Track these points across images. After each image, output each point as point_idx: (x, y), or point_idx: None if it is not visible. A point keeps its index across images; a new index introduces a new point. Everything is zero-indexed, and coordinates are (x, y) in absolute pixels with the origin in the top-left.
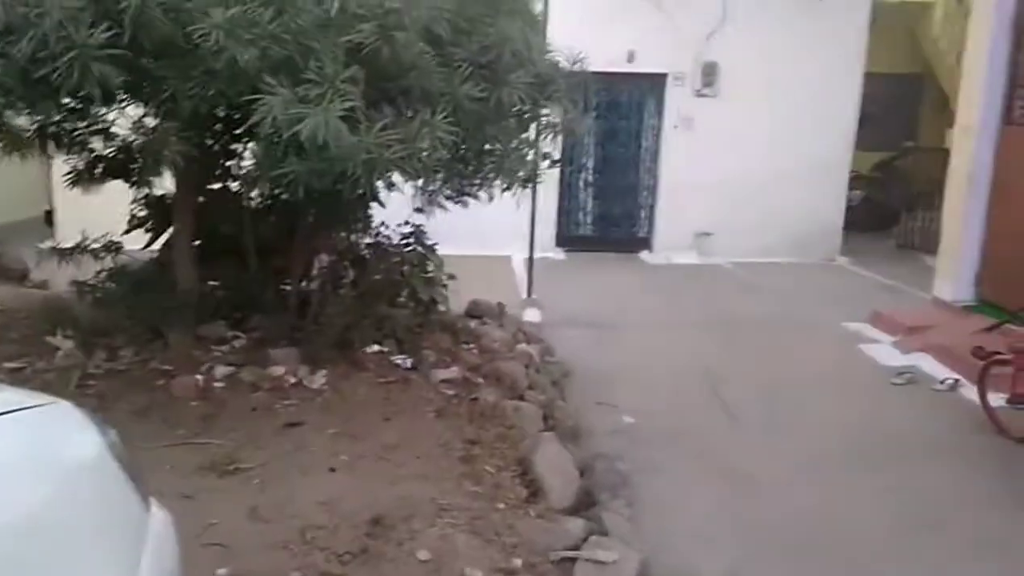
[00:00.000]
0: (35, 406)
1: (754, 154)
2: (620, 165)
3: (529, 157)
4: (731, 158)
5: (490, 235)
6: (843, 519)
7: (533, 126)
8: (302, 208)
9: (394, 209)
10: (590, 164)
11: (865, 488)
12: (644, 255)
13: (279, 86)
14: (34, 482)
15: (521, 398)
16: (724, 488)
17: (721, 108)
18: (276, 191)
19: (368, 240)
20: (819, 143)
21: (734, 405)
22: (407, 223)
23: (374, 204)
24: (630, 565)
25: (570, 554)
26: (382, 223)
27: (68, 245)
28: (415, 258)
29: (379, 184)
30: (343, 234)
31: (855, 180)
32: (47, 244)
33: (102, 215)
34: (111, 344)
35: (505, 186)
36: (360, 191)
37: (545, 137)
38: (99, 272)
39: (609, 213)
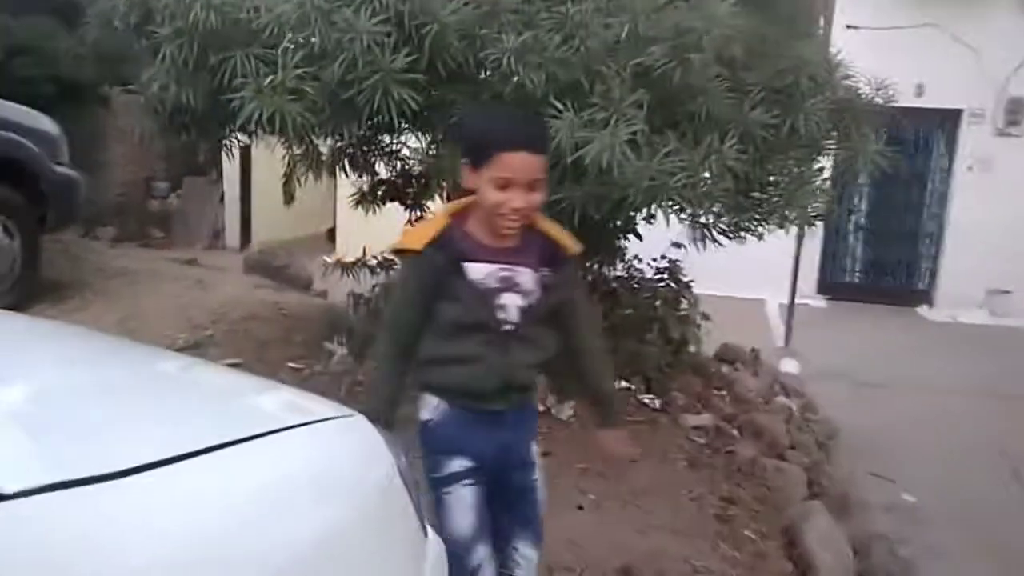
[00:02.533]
0: (332, 418)
1: None
2: (899, 208)
3: (824, 189)
4: None
5: (743, 276)
6: None
7: (828, 158)
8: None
9: (646, 243)
10: (863, 205)
11: None
12: (922, 310)
13: (565, 110)
14: (325, 501)
15: (781, 457)
16: None
17: None
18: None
19: (619, 273)
20: None
21: None
22: (663, 257)
23: (630, 236)
24: None
25: None
26: (635, 256)
27: (349, 259)
28: (668, 294)
29: (637, 215)
30: (596, 266)
31: None
32: (329, 258)
33: (377, 234)
34: None
35: (789, 222)
36: (621, 221)
37: (844, 171)
38: (373, 287)
39: (882, 260)
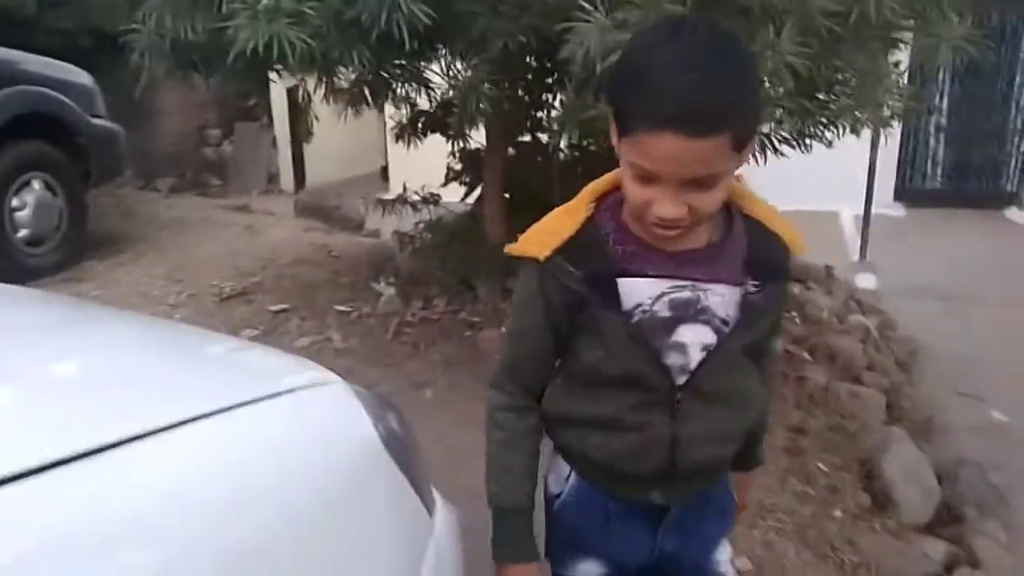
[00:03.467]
0: (299, 389)
1: None
2: (983, 105)
3: (901, 86)
4: None
5: (814, 187)
6: None
7: (904, 50)
8: (608, 159)
9: None
10: (944, 105)
11: None
12: (1011, 213)
13: (595, 10)
14: (289, 481)
15: (858, 381)
16: None
17: None
18: (585, 142)
19: None
20: None
21: None
22: None
23: None
24: None
25: None
26: None
27: (390, 197)
28: None
29: None
30: None
31: None
32: (378, 196)
33: (430, 169)
34: (427, 293)
35: (861, 124)
36: None
37: (922, 64)
38: (418, 224)
39: (966, 163)
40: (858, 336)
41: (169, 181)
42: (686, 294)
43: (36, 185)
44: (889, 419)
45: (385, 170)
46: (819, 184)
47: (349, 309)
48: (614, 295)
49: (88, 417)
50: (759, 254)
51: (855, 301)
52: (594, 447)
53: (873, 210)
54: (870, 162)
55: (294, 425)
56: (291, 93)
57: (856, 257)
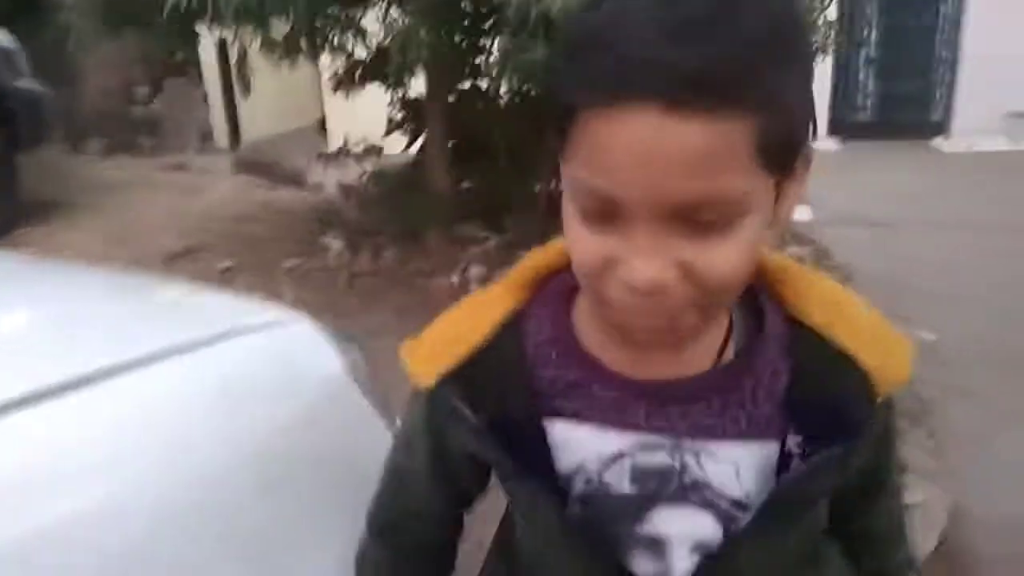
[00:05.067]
0: (264, 326)
1: None
2: (910, 36)
3: (819, 23)
4: None
5: None
6: None
7: None
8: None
9: None
10: (872, 37)
11: None
12: (938, 142)
13: None
14: (264, 411)
15: None
16: None
17: None
18: (523, 86)
19: None
20: None
21: None
22: None
23: None
24: (938, 508)
25: None
26: None
27: (332, 150)
28: None
29: None
30: None
31: None
32: (319, 150)
33: (368, 121)
34: (376, 244)
35: None
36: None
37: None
38: (361, 175)
39: (894, 94)
40: None
41: (100, 143)
42: (661, 458)
43: None
44: None
45: (322, 122)
46: None
47: (298, 263)
48: (537, 452)
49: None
50: (809, 387)
51: (790, 233)
52: None
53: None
54: None
55: (263, 360)
56: (222, 47)
57: None
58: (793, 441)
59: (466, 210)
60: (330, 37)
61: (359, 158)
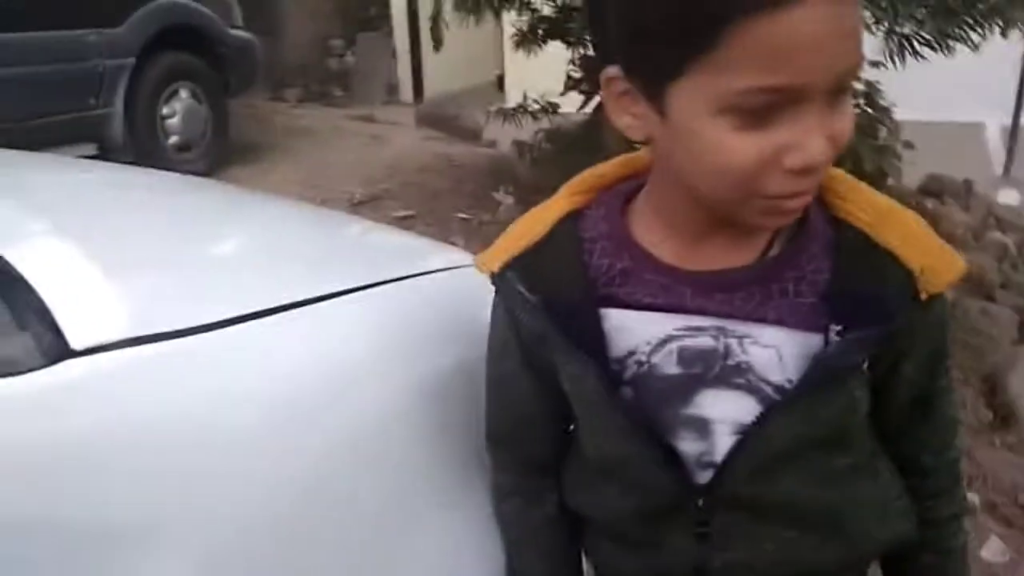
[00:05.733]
0: (447, 268)
1: None
2: None
3: None
4: None
5: (959, 96)
6: None
7: None
8: None
9: None
10: None
11: None
12: None
13: None
14: (438, 353)
15: (990, 298)
16: None
17: None
18: None
19: None
20: None
21: None
22: (858, 79)
23: None
24: None
25: None
26: None
27: (510, 107)
28: (863, 122)
29: None
30: None
31: None
32: (496, 106)
33: (548, 78)
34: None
35: (1012, 26)
36: None
37: None
38: (537, 133)
39: None
40: (994, 254)
41: (296, 92)
42: (706, 341)
43: (183, 94)
44: (1021, 338)
45: (500, 79)
46: (964, 92)
47: (471, 216)
48: (591, 335)
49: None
50: (850, 281)
51: (995, 217)
52: (610, 561)
53: (1022, 122)
54: (1022, 69)
55: (442, 301)
56: (411, 3)
57: (1000, 172)
58: (834, 332)
59: None
60: None
61: (535, 115)
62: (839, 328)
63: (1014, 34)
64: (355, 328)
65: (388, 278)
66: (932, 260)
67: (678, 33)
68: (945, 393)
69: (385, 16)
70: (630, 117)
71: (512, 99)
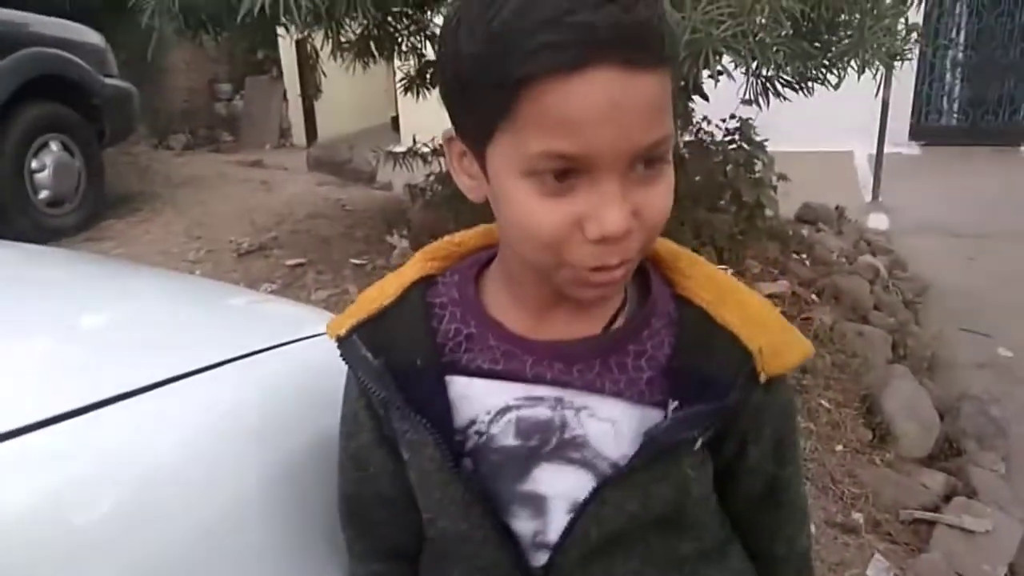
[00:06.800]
0: (320, 335)
1: None
2: (1001, 38)
3: (899, 27)
4: None
5: (827, 128)
6: None
7: None
8: None
9: (716, 102)
10: (961, 38)
11: None
12: None
13: None
14: (313, 418)
15: (865, 320)
16: None
17: None
18: None
19: (687, 138)
20: None
21: None
22: (732, 117)
23: (696, 97)
24: (1009, 538)
25: (927, 516)
26: (704, 118)
27: (401, 149)
28: (740, 157)
29: (704, 72)
30: None
31: None
32: (387, 149)
33: (440, 120)
34: None
35: (867, 65)
36: (681, 81)
37: (914, 2)
38: (429, 176)
39: (982, 98)
40: (867, 276)
41: (182, 138)
42: (543, 412)
43: (54, 146)
44: (894, 357)
45: (395, 121)
46: (833, 123)
47: (364, 262)
48: (434, 402)
49: (124, 363)
50: (689, 358)
51: (866, 242)
52: None
53: (887, 149)
54: (883, 100)
55: (317, 368)
56: (300, 46)
57: (869, 197)
58: (671, 408)
59: None
60: (400, 40)
61: (427, 158)
62: (675, 404)
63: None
64: (208, 409)
65: (252, 350)
66: (772, 341)
67: (485, 96)
68: (794, 481)
69: (274, 59)
70: (467, 178)
71: (407, 140)
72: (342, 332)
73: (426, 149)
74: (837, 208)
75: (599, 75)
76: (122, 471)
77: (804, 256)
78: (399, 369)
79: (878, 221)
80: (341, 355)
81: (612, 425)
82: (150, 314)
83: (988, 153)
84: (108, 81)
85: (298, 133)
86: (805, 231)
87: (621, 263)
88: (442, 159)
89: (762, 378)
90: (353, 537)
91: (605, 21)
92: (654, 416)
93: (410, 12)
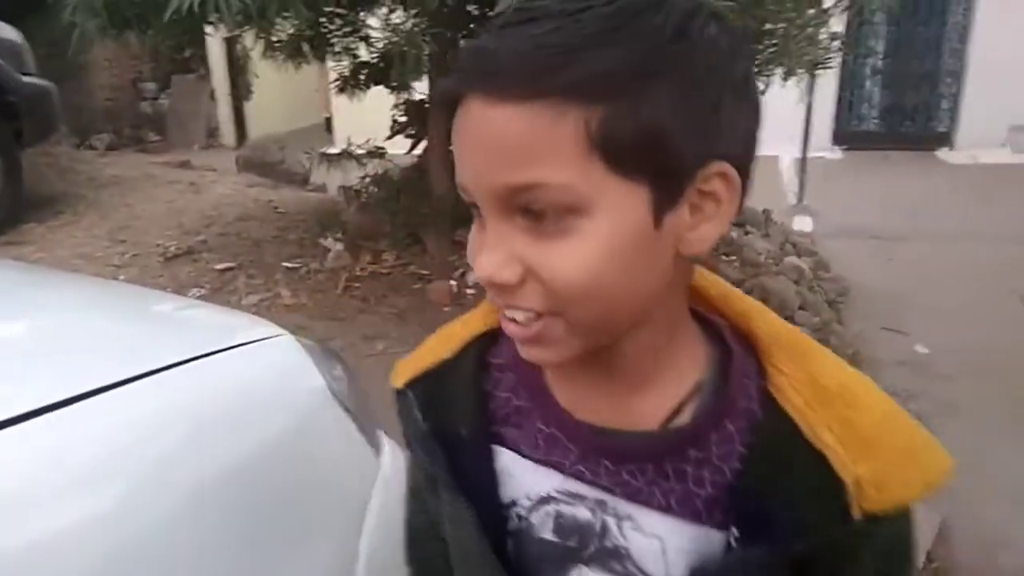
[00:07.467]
0: (249, 343)
1: None
2: (918, 47)
3: (821, 36)
4: None
5: None
6: None
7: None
8: None
9: None
10: (880, 47)
11: None
12: (942, 153)
13: None
14: (244, 429)
15: (791, 320)
16: None
17: None
18: None
19: None
20: None
21: None
22: None
23: None
24: (926, 528)
25: None
26: None
27: (335, 151)
28: None
29: None
30: None
31: None
32: (322, 150)
33: (376, 121)
34: (375, 247)
35: (790, 73)
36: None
37: (836, 12)
38: (364, 177)
39: (900, 104)
40: (792, 277)
41: (106, 138)
42: (584, 513)
43: None
44: None
45: (329, 122)
46: (762, 130)
47: (297, 265)
48: (479, 475)
49: (49, 374)
50: (762, 480)
51: (791, 244)
52: None
53: (811, 153)
54: (806, 106)
55: (245, 377)
56: (229, 44)
57: (794, 200)
58: (734, 536)
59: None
60: (332, 41)
61: (362, 160)
62: (737, 534)
63: (801, 78)
64: (125, 427)
65: (178, 360)
66: (881, 469)
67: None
68: None
69: (201, 57)
70: None
71: (341, 141)
72: (400, 384)
73: (361, 151)
74: (764, 211)
75: (471, 105)
76: (41, 485)
77: (734, 258)
78: (447, 435)
79: (803, 223)
80: (397, 407)
81: (659, 541)
82: (69, 325)
83: (907, 157)
84: (26, 79)
85: (227, 133)
86: (735, 234)
87: (528, 320)
88: (377, 160)
89: (855, 514)
90: (409, 565)
91: (486, 47)
92: (711, 538)
93: (343, 13)
